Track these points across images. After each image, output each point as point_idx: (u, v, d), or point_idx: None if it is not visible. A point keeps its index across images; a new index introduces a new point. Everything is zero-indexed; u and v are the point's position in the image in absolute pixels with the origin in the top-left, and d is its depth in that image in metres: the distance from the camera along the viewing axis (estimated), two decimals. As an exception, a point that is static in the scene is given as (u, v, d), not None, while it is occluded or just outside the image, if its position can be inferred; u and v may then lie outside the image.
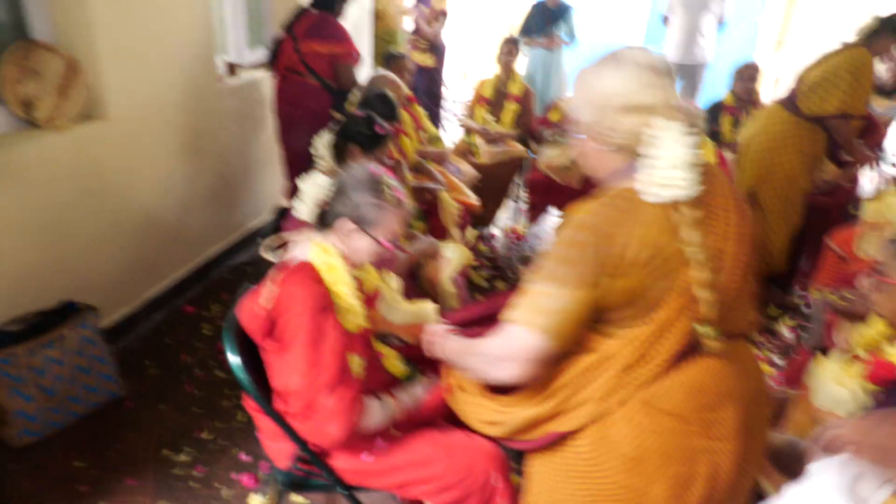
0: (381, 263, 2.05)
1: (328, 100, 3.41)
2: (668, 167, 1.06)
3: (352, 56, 3.39)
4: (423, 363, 1.81)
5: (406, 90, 3.37)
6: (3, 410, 2.16)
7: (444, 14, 5.57)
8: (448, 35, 5.83)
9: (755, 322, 1.25)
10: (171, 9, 2.90)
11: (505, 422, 1.24)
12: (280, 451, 1.57)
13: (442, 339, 1.42)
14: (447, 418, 1.70)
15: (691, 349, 1.12)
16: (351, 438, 1.43)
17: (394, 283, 2.00)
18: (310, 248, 1.50)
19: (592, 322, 1.14)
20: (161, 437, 2.33)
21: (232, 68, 3.59)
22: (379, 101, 2.71)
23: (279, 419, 1.47)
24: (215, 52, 3.34)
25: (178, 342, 2.91)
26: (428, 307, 1.88)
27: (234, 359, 1.46)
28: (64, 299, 2.41)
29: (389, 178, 1.54)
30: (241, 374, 1.45)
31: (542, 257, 1.15)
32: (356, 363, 1.53)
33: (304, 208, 1.54)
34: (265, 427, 1.59)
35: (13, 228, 2.27)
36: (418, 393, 1.64)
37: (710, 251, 1.10)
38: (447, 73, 6.17)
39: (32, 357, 2.16)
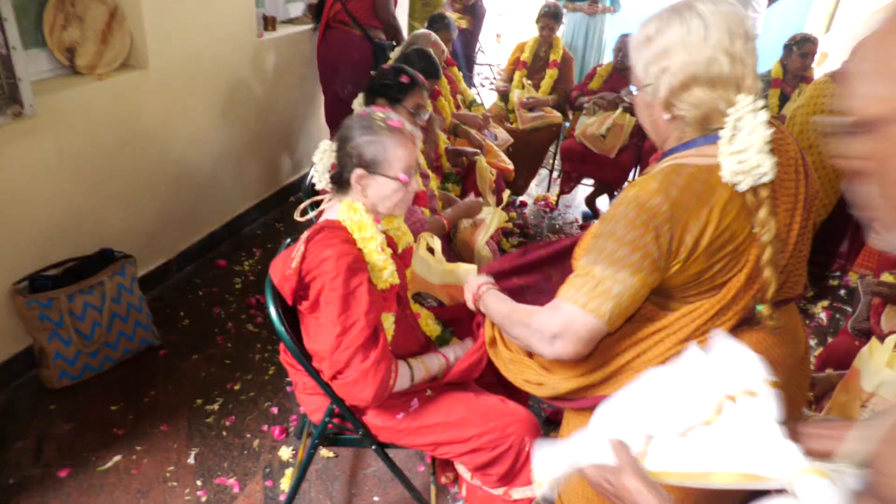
0: (415, 224, 2.03)
1: (370, 49, 3.50)
2: (755, 152, 0.97)
3: None
4: (458, 325, 1.81)
5: (447, 52, 3.30)
6: (42, 353, 2.21)
7: None
8: None
9: (805, 283, 1.21)
10: (212, -42, 2.86)
11: (549, 384, 1.22)
12: (315, 405, 1.58)
13: (488, 299, 1.37)
14: (481, 383, 1.70)
15: (745, 322, 1.11)
16: (383, 399, 1.43)
17: (435, 243, 1.98)
18: (338, 208, 1.48)
19: (653, 295, 1.10)
20: (194, 386, 2.38)
21: (270, 22, 3.55)
22: (417, 56, 2.65)
23: (316, 375, 1.47)
24: (254, 6, 3.29)
25: (210, 295, 2.95)
26: (467, 268, 1.86)
27: (273, 311, 1.46)
28: (101, 246, 2.44)
29: (380, 112, 1.48)
30: (281, 328, 1.45)
31: (603, 235, 1.06)
32: (388, 321, 1.53)
33: (318, 177, 1.52)
34: (300, 382, 1.60)
35: (53, 174, 2.29)
36: (451, 357, 1.63)
37: (779, 230, 1.05)
38: (483, 37, 6.05)
39: (72, 302, 2.20)
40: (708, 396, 0.83)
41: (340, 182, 1.50)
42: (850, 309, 2.96)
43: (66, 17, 2.34)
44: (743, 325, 1.10)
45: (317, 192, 1.60)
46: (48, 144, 2.24)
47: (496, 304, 1.33)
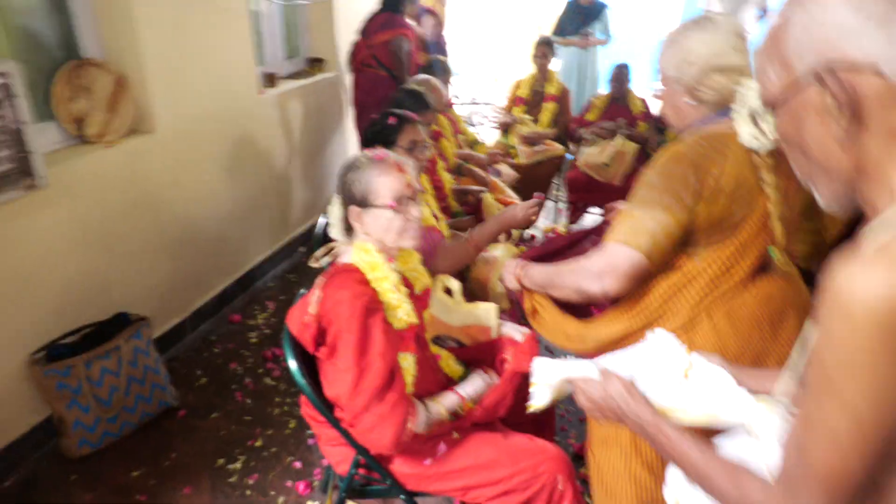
0: (428, 250, 2.03)
1: (395, 88, 3.72)
2: (761, 121, 1.17)
3: (405, 34, 3.90)
4: (480, 365, 1.78)
5: (446, 95, 3.35)
6: (62, 422, 2.19)
7: (430, 12, 5.52)
8: (448, 34, 5.80)
9: (808, 258, 1.44)
10: (213, 25, 2.95)
11: (590, 336, 1.37)
12: (340, 457, 1.55)
13: (531, 269, 1.50)
14: (509, 423, 1.66)
15: (762, 268, 1.31)
16: (405, 444, 1.40)
17: (453, 284, 1.98)
18: (351, 251, 1.49)
19: (681, 244, 1.28)
20: (215, 445, 2.34)
21: (271, 79, 3.63)
22: (407, 97, 2.70)
23: (338, 425, 1.44)
24: (255, 64, 3.38)
25: (226, 351, 2.94)
26: (488, 308, 1.85)
27: (292, 363, 1.44)
28: (116, 311, 2.45)
29: (367, 152, 1.52)
30: (300, 379, 1.43)
31: (640, 188, 1.29)
32: (408, 361, 1.51)
33: (334, 229, 1.55)
34: (323, 434, 1.57)
35: (67, 242, 2.32)
36: (467, 392, 1.60)
37: (780, 189, 1.26)
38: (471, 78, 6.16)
39: (89, 369, 2.19)
40: (676, 363, 1.00)
41: (348, 226, 1.52)
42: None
43: (74, 89, 2.41)
44: (762, 272, 1.31)
45: (329, 240, 1.61)
46: (61, 214, 2.27)
47: (541, 269, 1.47)
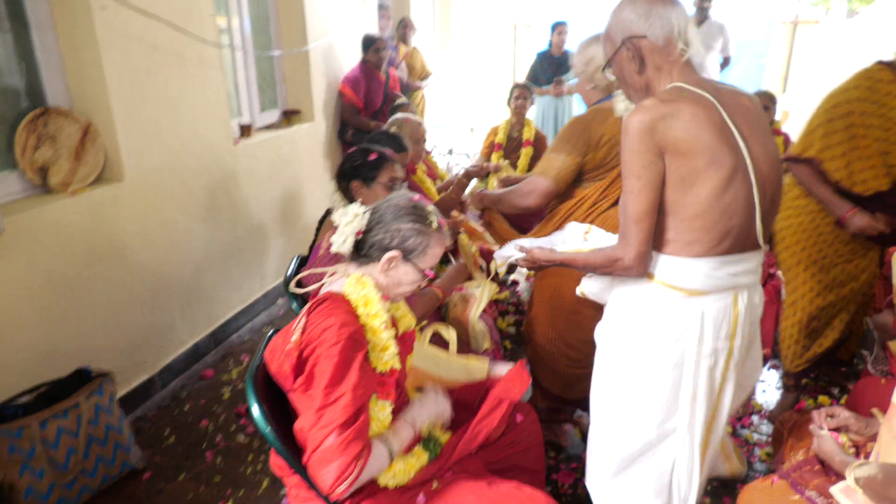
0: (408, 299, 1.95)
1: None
2: (624, 101, 1.93)
3: (345, 93, 4.43)
4: (462, 410, 1.68)
5: (425, 133, 3.34)
6: (12, 489, 2.02)
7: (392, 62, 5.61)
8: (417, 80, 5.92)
9: None
10: (186, 75, 2.93)
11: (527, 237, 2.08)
12: (311, 512, 1.42)
13: (484, 193, 2.34)
14: (494, 469, 1.56)
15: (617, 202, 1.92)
16: (349, 489, 1.28)
17: (451, 335, 1.92)
18: (345, 281, 1.41)
19: (576, 179, 2.09)
20: (181, 510, 2.18)
21: (246, 130, 3.61)
22: (383, 137, 2.69)
23: (304, 473, 1.33)
24: (230, 115, 3.36)
25: (197, 408, 2.78)
26: (480, 364, 1.77)
27: (255, 409, 1.33)
28: (77, 366, 2.31)
29: (429, 205, 1.47)
30: (263, 425, 1.32)
31: (555, 139, 2.11)
32: (385, 411, 1.42)
33: (341, 240, 1.43)
34: (293, 488, 1.45)
35: (25, 293, 2.21)
36: (422, 420, 1.51)
37: None
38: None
39: (44, 429, 2.04)
40: (580, 233, 1.77)
41: (361, 252, 1.44)
42: (866, 352, 2.85)
43: (39, 137, 2.34)
44: (616, 205, 2.01)
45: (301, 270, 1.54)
46: (18, 263, 2.16)
47: (494, 193, 2.31)
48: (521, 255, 1.69)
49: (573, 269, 1.63)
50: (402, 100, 4.50)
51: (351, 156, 2.14)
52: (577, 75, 2.15)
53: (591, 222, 1.96)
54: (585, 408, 2.09)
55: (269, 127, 3.99)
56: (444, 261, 2.88)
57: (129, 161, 2.61)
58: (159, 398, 2.86)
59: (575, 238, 1.73)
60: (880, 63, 2.21)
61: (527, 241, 1.71)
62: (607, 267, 1.48)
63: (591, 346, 1.72)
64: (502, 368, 1.77)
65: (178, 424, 2.67)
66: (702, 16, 5.76)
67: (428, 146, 5.34)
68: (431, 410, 1.54)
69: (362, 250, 1.44)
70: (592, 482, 1.69)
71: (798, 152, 2.33)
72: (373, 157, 2.07)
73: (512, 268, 2.84)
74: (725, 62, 5.95)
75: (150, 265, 2.80)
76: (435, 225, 1.45)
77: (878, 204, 2.23)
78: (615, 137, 1.97)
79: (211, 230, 3.21)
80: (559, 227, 2.06)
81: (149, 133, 2.72)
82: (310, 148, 4.23)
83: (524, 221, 3.10)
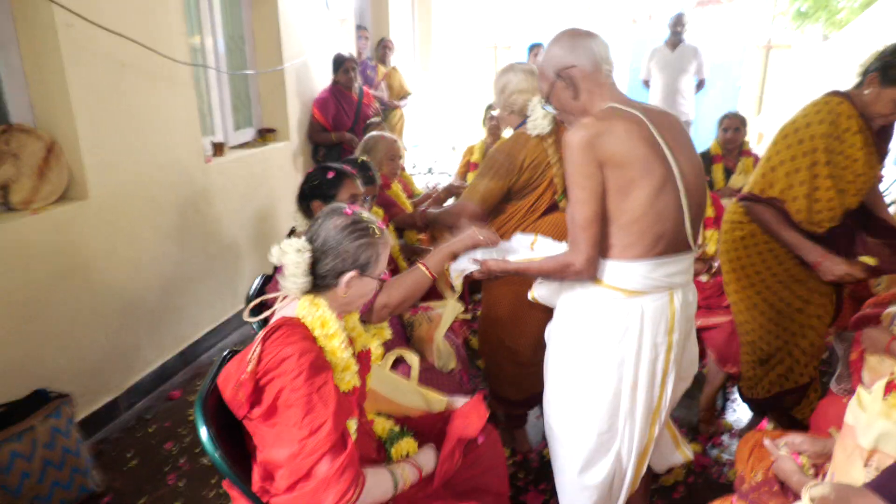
0: (365, 307, 1.92)
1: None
2: (539, 118, 2.14)
3: (314, 114, 4.48)
4: (421, 438, 1.67)
5: (402, 152, 3.34)
6: (-38, 515, 1.96)
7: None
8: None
9: None
10: (155, 92, 2.92)
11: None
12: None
13: (431, 214, 2.59)
14: (455, 493, 1.54)
15: (552, 207, 2.24)
16: None
17: (415, 361, 1.91)
18: (297, 304, 1.38)
19: (506, 198, 2.24)
20: (139, 535, 2.12)
21: (219, 148, 3.60)
22: (351, 163, 2.66)
23: (257, 500, 1.30)
24: (202, 133, 3.34)
25: (162, 430, 2.73)
26: (440, 400, 1.76)
27: (203, 432, 1.30)
28: (36, 388, 2.26)
29: (363, 213, 1.45)
30: (212, 450, 1.29)
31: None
32: (352, 428, 1.40)
33: (293, 283, 1.36)
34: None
35: (-18, 314, 2.16)
36: (424, 461, 1.50)
37: (560, 158, 2.15)
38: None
39: (-4, 453, 1.99)
40: (526, 244, 1.85)
41: (318, 283, 1.40)
42: (830, 369, 2.87)
43: (1, 154, 2.31)
44: (549, 210, 2.24)
45: (263, 293, 1.50)
46: (-26, 283, 2.12)
47: (436, 211, 2.55)
48: (475, 266, 1.75)
49: (527, 276, 1.76)
50: (374, 119, 4.52)
51: (310, 175, 2.13)
52: (497, 106, 2.33)
53: (524, 230, 2.17)
54: (536, 405, 2.50)
55: (243, 145, 3.98)
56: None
57: (94, 179, 2.58)
58: (123, 420, 2.80)
59: (523, 248, 1.83)
60: (837, 94, 2.12)
61: (480, 254, 1.77)
62: (560, 272, 1.61)
63: (532, 347, 2.14)
64: (460, 401, 1.75)
65: (142, 446, 2.61)
66: (676, 39, 5.87)
67: (407, 165, 5.37)
68: (429, 459, 1.54)
69: (317, 282, 1.40)
70: (561, 482, 1.83)
71: (759, 190, 2.21)
72: (331, 175, 2.05)
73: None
74: (700, 84, 6.05)
75: (116, 284, 2.76)
76: (378, 232, 1.43)
77: (828, 238, 2.17)
78: (537, 159, 2.15)
79: (181, 248, 3.18)
80: (506, 228, 2.26)
81: (115, 150, 2.69)
82: (284, 167, 4.22)
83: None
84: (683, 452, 1.95)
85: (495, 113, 4.37)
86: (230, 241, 3.63)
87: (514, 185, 2.18)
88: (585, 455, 1.72)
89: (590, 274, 1.58)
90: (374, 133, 3.18)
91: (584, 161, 1.51)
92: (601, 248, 1.57)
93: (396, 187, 3.26)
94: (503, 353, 2.36)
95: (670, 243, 1.57)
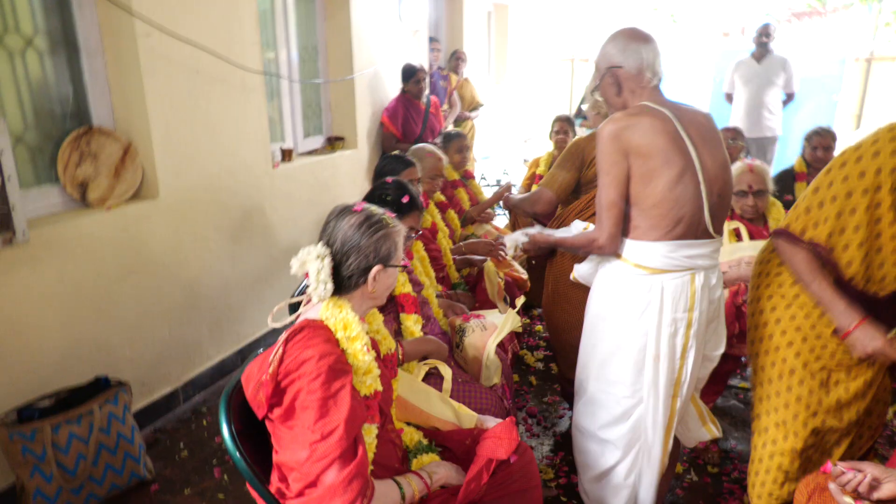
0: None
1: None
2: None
3: (384, 123, 4.59)
4: (447, 454, 1.63)
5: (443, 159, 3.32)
6: (23, 490, 2.09)
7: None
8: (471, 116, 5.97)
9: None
10: (227, 99, 3.05)
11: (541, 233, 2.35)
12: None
13: (510, 199, 2.90)
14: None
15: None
16: None
17: (447, 373, 1.88)
18: (321, 307, 1.38)
19: (576, 190, 2.56)
20: (181, 525, 2.19)
21: (287, 154, 3.71)
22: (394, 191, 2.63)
23: (273, 500, 1.30)
24: (271, 139, 3.46)
25: (214, 424, 2.82)
26: (470, 414, 1.72)
27: (225, 431, 1.32)
28: (97, 375, 2.39)
29: (371, 206, 1.44)
30: (233, 448, 1.31)
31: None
32: (371, 434, 1.37)
33: (320, 288, 1.35)
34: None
35: (52, 301, 2.31)
36: (432, 470, 1.45)
37: None
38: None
39: (56, 433, 2.10)
40: (580, 228, 2.12)
41: (345, 285, 1.40)
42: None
43: (81, 154, 2.48)
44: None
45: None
46: (46, 273, 2.27)
47: (517, 198, 2.83)
48: (525, 238, 2.17)
49: (562, 248, 2.18)
50: (455, 129, 4.59)
51: (384, 185, 2.10)
52: (587, 108, 2.69)
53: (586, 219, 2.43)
54: None
55: (311, 152, 4.09)
56: (460, 286, 2.83)
57: (165, 179, 2.72)
58: (180, 411, 2.91)
59: (576, 230, 2.13)
60: None
61: (533, 230, 2.20)
62: (586, 246, 1.87)
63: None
64: (491, 421, 1.70)
65: (194, 439, 2.70)
66: (763, 50, 5.56)
67: (476, 175, 5.37)
68: (446, 473, 1.51)
69: (344, 283, 1.39)
70: (577, 434, 2.03)
71: (799, 229, 1.72)
72: (406, 199, 2.05)
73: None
74: (789, 98, 5.70)
75: (181, 281, 2.89)
76: (391, 221, 1.43)
77: (890, 305, 1.69)
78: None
79: (245, 250, 3.29)
80: (563, 225, 2.52)
81: (186, 153, 2.83)
82: (351, 174, 4.30)
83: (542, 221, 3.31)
84: (710, 429, 2.03)
85: (578, 121, 4.34)
86: (293, 245, 3.73)
87: (582, 177, 2.51)
88: (606, 417, 1.90)
89: (611, 249, 1.81)
90: (423, 146, 3.16)
91: (611, 150, 1.73)
92: (626, 229, 1.79)
93: (462, 196, 3.25)
94: (563, 336, 2.56)
95: (689, 228, 1.73)
